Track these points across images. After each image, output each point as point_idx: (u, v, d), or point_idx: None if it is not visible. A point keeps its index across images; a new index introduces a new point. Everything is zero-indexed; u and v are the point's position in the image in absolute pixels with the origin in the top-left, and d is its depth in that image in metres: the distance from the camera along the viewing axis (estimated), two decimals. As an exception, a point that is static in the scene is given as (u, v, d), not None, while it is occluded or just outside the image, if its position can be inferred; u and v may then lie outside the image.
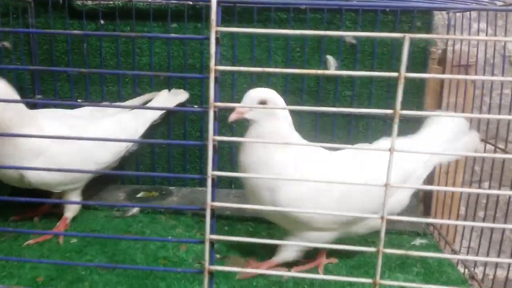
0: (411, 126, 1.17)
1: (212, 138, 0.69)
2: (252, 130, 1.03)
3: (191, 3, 1.46)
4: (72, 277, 1.04)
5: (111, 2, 1.48)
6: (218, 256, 1.16)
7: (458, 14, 1.48)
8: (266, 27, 1.49)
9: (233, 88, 1.52)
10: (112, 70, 1.54)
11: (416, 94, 1.51)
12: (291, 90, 1.53)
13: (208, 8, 0.65)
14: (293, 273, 1.08)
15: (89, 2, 1.49)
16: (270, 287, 1.05)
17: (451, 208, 1.55)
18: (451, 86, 1.53)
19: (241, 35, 1.50)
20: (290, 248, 1.10)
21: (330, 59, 1.48)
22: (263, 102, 1.01)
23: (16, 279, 1.04)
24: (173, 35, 1.54)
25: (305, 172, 1.02)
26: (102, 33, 1.59)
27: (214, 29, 0.66)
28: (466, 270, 1.31)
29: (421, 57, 1.49)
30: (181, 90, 1.48)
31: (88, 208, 1.41)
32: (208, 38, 0.67)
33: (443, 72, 1.56)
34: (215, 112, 0.68)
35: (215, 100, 0.68)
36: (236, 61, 1.51)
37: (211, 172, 0.70)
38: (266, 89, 1.04)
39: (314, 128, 1.54)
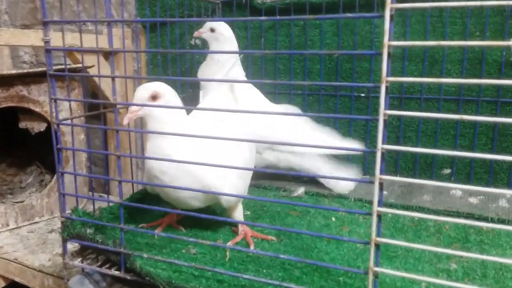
0: None
1: (384, 112, 0.71)
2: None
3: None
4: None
5: (287, -1, 1.60)
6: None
7: None
8: (443, 14, 1.43)
9: (403, 75, 1.49)
10: (287, 51, 1.68)
11: None
12: (465, 77, 1.44)
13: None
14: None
15: (268, 0, 1.63)
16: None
17: None
18: None
19: (414, 22, 1.47)
20: None
21: (515, 44, 1.36)
22: (212, 29, 1.44)
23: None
24: (347, 14, 1.57)
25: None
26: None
27: (389, 6, 0.68)
28: None
29: None
30: None
31: (258, 187, 1.55)
32: (382, 16, 0.70)
33: None
34: (386, 87, 0.71)
35: (387, 75, 0.70)
36: (407, 53, 1.48)
37: (380, 146, 0.73)
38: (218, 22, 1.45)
39: None
